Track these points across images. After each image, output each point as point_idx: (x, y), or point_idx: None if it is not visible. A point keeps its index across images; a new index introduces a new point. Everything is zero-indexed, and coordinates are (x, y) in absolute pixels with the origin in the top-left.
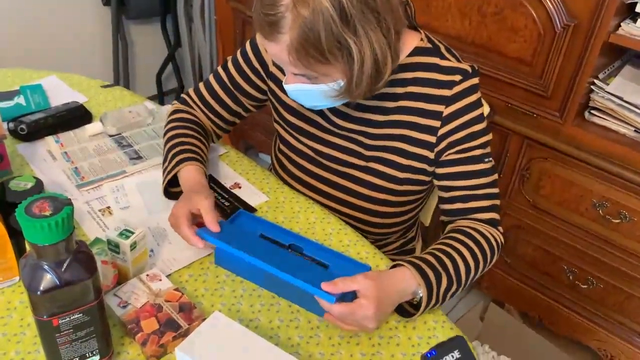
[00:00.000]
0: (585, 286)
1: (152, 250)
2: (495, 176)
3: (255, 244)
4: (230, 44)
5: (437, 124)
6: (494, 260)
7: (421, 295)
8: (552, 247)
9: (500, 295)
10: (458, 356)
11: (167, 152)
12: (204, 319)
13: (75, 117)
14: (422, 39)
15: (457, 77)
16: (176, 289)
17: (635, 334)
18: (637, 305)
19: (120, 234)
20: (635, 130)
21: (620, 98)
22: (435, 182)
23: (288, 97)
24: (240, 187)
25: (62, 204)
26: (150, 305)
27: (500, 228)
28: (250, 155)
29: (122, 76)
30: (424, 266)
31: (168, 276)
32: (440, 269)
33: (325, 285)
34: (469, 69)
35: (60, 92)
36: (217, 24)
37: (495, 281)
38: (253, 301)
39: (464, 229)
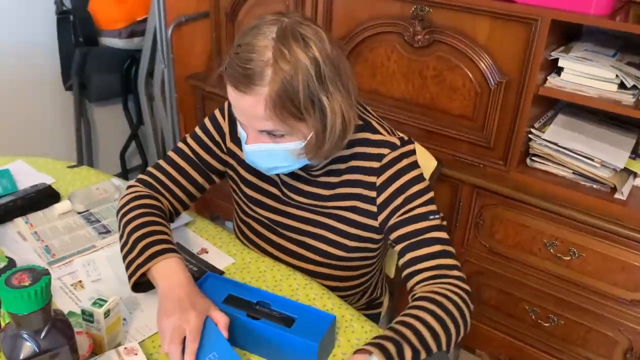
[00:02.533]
0: (548, 324)
1: (124, 319)
2: (444, 230)
3: (226, 305)
4: (191, 120)
5: (373, 194)
6: (466, 314)
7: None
8: (512, 289)
9: (470, 342)
10: None
11: (134, 241)
12: None
13: (43, 197)
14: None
15: (386, 150)
16: None
17: None
18: (599, 338)
19: (94, 303)
20: (573, 172)
21: (556, 144)
22: (392, 245)
23: (246, 171)
24: (207, 252)
25: (40, 274)
26: None
27: (457, 273)
28: (216, 224)
29: (85, 157)
30: (383, 342)
31: (141, 342)
32: (400, 340)
33: None
34: (398, 142)
35: (28, 175)
36: (178, 101)
37: None
38: None
39: (425, 294)
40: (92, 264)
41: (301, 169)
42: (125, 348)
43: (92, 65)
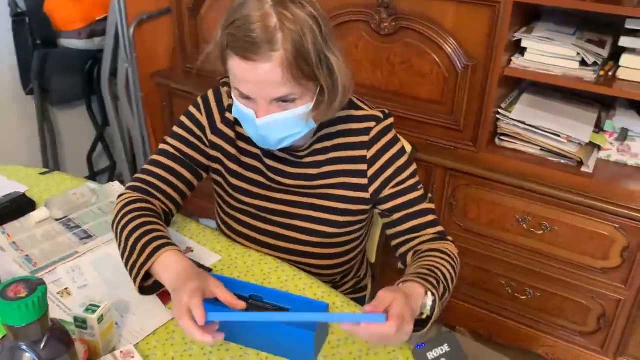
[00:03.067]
0: (524, 297)
1: (116, 323)
2: (430, 198)
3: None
4: (157, 117)
5: (364, 167)
6: (458, 271)
7: (429, 307)
8: (488, 266)
9: (450, 320)
10: (447, 349)
11: (133, 244)
12: None
13: (18, 206)
14: None
15: (372, 124)
16: None
17: (576, 333)
18: (573, 307)
19: (87, 310)
20: (541, 149)
21: (523, 122)
22: (382, 220)
23: (231, 162)
24: (192, 251)
25: (36, 284)
26: None
27: (449, 237)
28: (193, 221)
29: (51, 161)
30: (431, 279)
31: (136, 345)
32: (440, 278)
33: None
34: (381, 115)
35: None
36: (143, 100)
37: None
38: (222, 355)
39: (428, 252)
40: (77, 270)
41: (286, 150)
42: (121, 352)
43: (52, 68)
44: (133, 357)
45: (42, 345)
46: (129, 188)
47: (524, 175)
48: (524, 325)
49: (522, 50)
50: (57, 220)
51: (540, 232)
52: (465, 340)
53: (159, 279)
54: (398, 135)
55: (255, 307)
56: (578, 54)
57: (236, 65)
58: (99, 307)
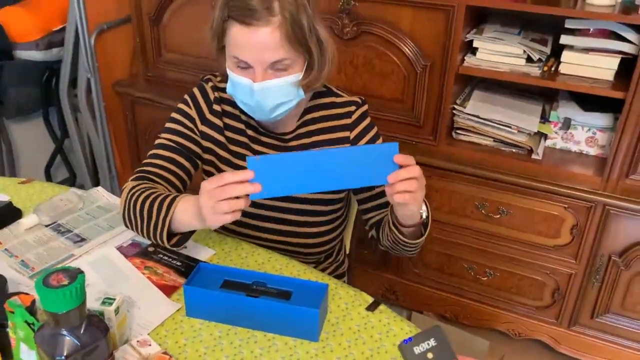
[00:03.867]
0: (485, 278)
1: None
2: None
3: (225, 289)
4: (119, 126)
5: (347, 145)
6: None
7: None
8: (451, 251)
9: (417, 305)
10: (434, 344)
11: (149, 210)
12: None
13: (5, 214)
14: None
15: (352, 108)
16: (164, 352)
17: (533, 308)
18: (529, 284)
19: (103, 302)
20: (494, 140)
21: (477, 116)
22: (358, 195)
23: (223, 150)
24: (185, 247)
25: (75, 273)
26: None
27: None
28: None
29: (8, 175)
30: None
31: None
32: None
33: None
34: (359, 100)
35: None
36: (106, 110)
37: (411, 293)
38: (232, 338)
39: None
40: None
41: (272, 136)
42: (137, 341)
43: (8, 80)
44: (150, 345)
45: (82, 330)
46: (132, 179)
47: (480, 165)
48: (486, 304)
49: (473, 50)
50: (46, 226)
51: (498, 216)
52: (434, 322)
53: (185, 223)
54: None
55: (260, 292)
56: (524, 51)
57: (237, 32)
58: (114, 299)
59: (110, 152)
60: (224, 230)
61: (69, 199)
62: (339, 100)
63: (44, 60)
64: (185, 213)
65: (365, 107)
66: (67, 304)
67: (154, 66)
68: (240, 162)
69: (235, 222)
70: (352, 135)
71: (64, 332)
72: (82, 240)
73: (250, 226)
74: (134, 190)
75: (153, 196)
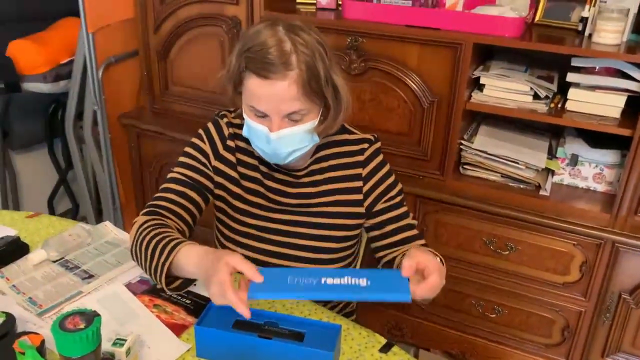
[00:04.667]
0: (494, 315)
1: None
2: (411, 215)
3: (236, 330)
4: (124, 158)
5: (360, 184)
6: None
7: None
8: (459, 287)
9: (423, 342)
10: None
11: (152, 250)
12: None
13: (13, 249)
14: None
15: (366, 145)
16: None
17: (542, 346)
18: (538, 321)
19: (114, 344)
20: (501, 175)
21: (485, 152)
22: (370, 233)
23: (235, 185)
24: (195, 284)
25: (92, 316)
26: None
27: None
28: None
29: (11, 206)
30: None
31: None
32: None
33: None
34: (372, 137)
35: None
36: (112, 142)
37: (417, 329)
38: None
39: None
40: None
41: (285, 172)
42: None
43: (15, 112)
44: None
45: None
46: (143, 214)
47: (488, 200)
48: (494, 342)
49: (480, 86)
50: (54, 262)
51: (506, 252)
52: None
53: (184, 271)
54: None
55: (273, 332)
56: (531, 88)
57: (255, 83)
58: (125, 340)
59: (114, 184)
60: None
61: (77, 234)
62: (352, 137)
63: (51, 92)
64: (187, 260)
65: (378, 144)
66: (84, 348)
67: (160, 99)
68: (252, 197)
69: (248, 248)
70: (365, 172)
71: None
72: (91, 276)
73: (257, 262)
74: (144, 227)
75: (159, 237)
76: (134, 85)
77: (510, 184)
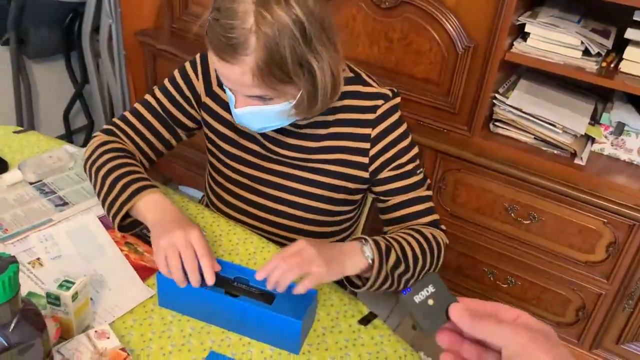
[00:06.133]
0: (506, 285)
1: (91, 299)
2: (428, 184)
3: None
4: (140, 78)
5: (367, 145)
6: (440, 258)
7: (372, 257)
8: (472, 252)
9: None
10: (432, 290)
11: (112, 182)
12: None
13: None
14: (344, 69)
15: (380, 102)
16: (122, 349)
17: (554, 323)
18: (552, 297)
19: (60, 286)
20: (535, 138)
21: (520, 110)
22: (379, 203)
23: (223, 125)
24: None
25: (7, 263)
26: None
27: (442, 227)
28: (170, 187)
29: (26, 118)
30: (378, 239)
31: (111, 324)
32: (392, 243)
33: (259, 274)
34: (389, 93)
35: None
36: (127, 59)
37: None
38: (203, 338)
39: (406, 230)
40: (50, 240)
41: None
42: (95, 331)
43: (30, 19)
44: (108, 338)
45: (11, 328)
46: (103, 131)
47: (515, 163)
48: None
49: (524, 35)
50: (30, 184)
51: (528, 221)
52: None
53: (142, 218)
54: (403, 117)
55: (240, 290)
56: (582, 42)
57: (213, 57)
58: (73, 283)
59: (127, 102)
60: (218, 211)
61: (59, 157)
62: (366, 90)
63: (68, 1)
64: (148, 211)
65: (396, 100)
66: None
67: (179, 18)
68: (247, 143)
69: (230, 206)
70: (374, 133)
71: None
72: (65, 204)
73: (247, 213)
74: (102, 150)
75: (121, 171)
76: (154, 1)
77: (543, 148)
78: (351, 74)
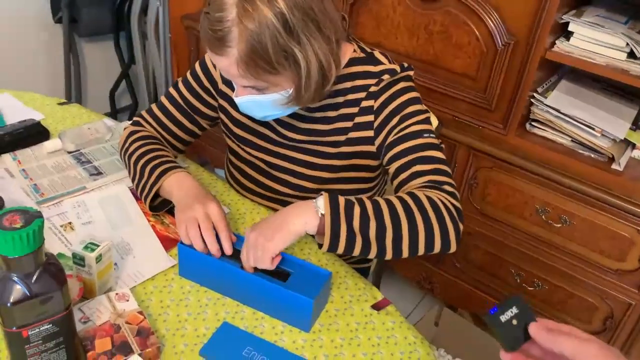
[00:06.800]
0: (532, 288)
1: (116, 264)
2: (440, 149)
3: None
4: (184, 62)
5: (371, 118)
6: (445, 221)
7: (322, 211)
8: (499, 252)
9: (452, 300)
10: (516, 311)
11: (141, 168)
12: (159, 347)
13: (32, 134)
14: (355, 50)
15: (386, 76)
16: (140, 312)
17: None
18: (578, 303)
19: (85, 247)
20: (572, 140)
21: (558, 110)
22: (385, 168)
23: (238, 112)
24: None
25: (33, 217)
26: (110, 324)
27: (447, 188)
28: (206, 170)
29: (74, 94)
30: (337, 194)
31: (133, 289)
32: (359, 200)
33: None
34: (398, 68)
35: (15, 110)
36: (172, 42)
37: (448, 286)
38: (218, 309)
39: (405, 192)
40: (82, 206)
41: None
42: (116, 294)
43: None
44: (127, 300)
45: (34, 278)
46: (132, 124)
47: (550, 165)
48: None
49: (567, 34)
50: (69, 152)
51: (559, 225)
52: (465, 322)
53: (169, 195)
54: (414, 87)
55: (256, 267)
56: (627, 44)
57: (208, 51)
58: (98, 246)
59: (171, 84)
60: (243, 189)
61: (96, 129)
62: (376, 68)
63: None
64: (172, 188)
65: (406, 73)
66: (18, 249)
67: None
68: (260, 128)
69: (245, 188)
70: (376, 104)
71: (14, 278)
72: (99, 174)
73: (261, 196)
74: (133, 138)
75: (149, 156)
76: None
77: (580, 151)
78: (362, 55)
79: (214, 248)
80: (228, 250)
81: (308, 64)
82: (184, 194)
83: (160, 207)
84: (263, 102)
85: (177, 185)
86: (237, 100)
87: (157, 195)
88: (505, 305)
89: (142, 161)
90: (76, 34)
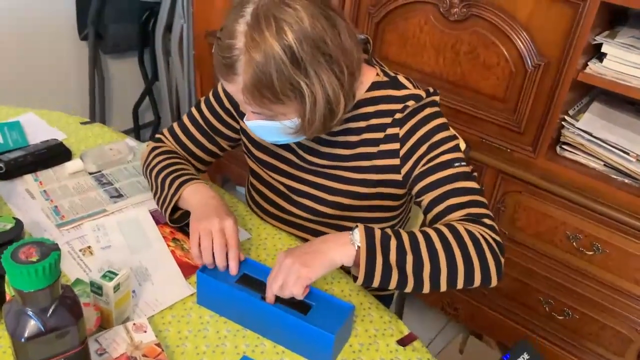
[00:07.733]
0: (562, 317)
1: (134, 291)
2: (472, 178)
3: (239, 285)
4: (208, 78)
5: (396, 146)
6: (487, 256)
7: (358, 243)
8: (528, 279)
9: (478, 328)
10: (527, 357)
11: (161, 182)
12: None
13: (54, 154)
14: (377, 74)
15: (410, 102)
16: (157, 344)
17: None
18: (612, 335)
19: (104, 276)
20: (604, 165)
21: (590, 134)
22: (416, 201)
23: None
24: None
25: (49, 249)
26: (127, 357)
27: (486, 221)
28: (227, 188)
29: (98, 110)
30: (373, 225)
31: (150, 318)
32: (396, 232)
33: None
34: (423, 93)
35: (39, 129)
36: (195, 58)
37: (474, 313)
38: (237, 342)
39: (444, 224)
40: (102, 229)
41: None
42: (134, 324)
43: (110, 15)
44: (145, 332)
45: (49, 313)
46: (155, 141)
47: (582, 190)
48: (556, 345)
49: (600, 56)
50: (90, 173)
51: (591, 252)
52: (490, 351)
53: (187, 206)
54: (441, 112)
55: (278, 297)
56: None
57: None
58: (116, 274)
59: (193, 101)
60: (262, 212)
61: (119, 149)
62: (400, 93)
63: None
64: (190, 198)
65: (432, 99)
66: (34, 283)
67: None
68: (281, 151)
69: (265, 212)
70: (402, 131)
71: (29, 313)
72: (120, 196)
73: (281, 220)
74: (155, 153)
75: (169, 170)
76: (226, 2)
77: (613, 176)
78: (385, 78)
79: (221, 265)
80: (234, 270)
81: (314, 97)
82: (203, 203)
83: (179, 220)
84: (271, 129)
85: (197, 194)
86: (247, 123)
87: (177, 208)
88: (515, 352)
89: (162, 174)
90: (101, 50)
